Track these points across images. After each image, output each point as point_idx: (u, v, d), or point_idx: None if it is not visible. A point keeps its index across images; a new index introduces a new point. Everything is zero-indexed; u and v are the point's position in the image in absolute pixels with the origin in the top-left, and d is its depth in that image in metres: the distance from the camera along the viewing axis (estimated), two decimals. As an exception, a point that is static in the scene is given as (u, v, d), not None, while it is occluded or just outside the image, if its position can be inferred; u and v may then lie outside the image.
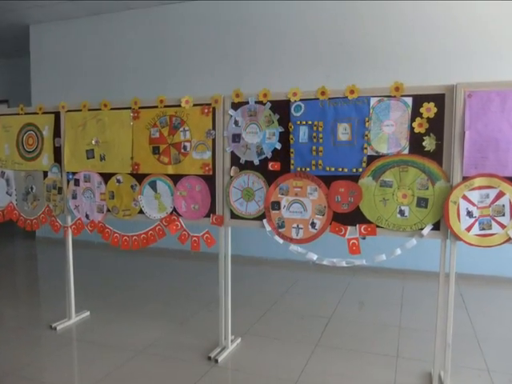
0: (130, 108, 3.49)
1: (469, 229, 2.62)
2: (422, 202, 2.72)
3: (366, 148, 2.80)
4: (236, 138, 3.14)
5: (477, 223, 2.61)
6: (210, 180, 3.25)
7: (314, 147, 2.91)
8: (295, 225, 3.02)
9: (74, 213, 3.80)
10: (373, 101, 2.78)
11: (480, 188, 2.60)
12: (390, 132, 2.75)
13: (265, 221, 3.10)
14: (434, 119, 2.67)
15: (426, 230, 2.72)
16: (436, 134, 2.67)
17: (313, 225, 2.96)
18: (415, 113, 2.69)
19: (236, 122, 3.13)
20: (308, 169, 2.95)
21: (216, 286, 3.38)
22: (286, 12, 5.87)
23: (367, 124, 2.78)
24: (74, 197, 3.77)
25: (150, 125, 3.41)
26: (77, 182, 3.75)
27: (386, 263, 3.41)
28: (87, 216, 3.74)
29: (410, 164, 2.71)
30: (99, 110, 3.61)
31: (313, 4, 5.72)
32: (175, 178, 3.36)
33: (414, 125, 2.69)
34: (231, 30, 6.20)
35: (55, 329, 3.81)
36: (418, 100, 2.69)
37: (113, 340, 3.60)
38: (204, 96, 3.24)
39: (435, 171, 2.67)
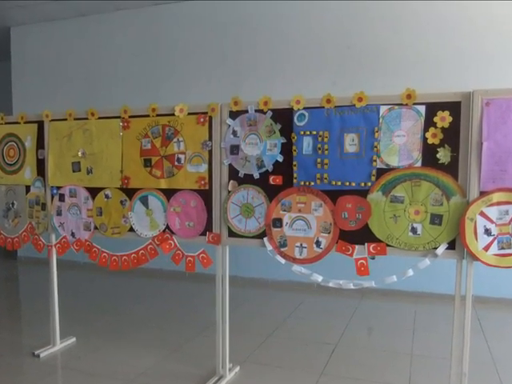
0: (119, 117, 3.49)
1: (487, 248, 2.62)
2: (435, 219, 2.72)
3: (375, 160, 2.81)
4: (234, 149, 3.15)
5: (495, 242, 2.60)
6: (206, 195, 3.25)
7: (318, 159, 2.92)
8: (298, 243, 3.01)
9: (59, 230, 3.79)
10: (382, 109, 2.79)
11: (499, 204, 2.59)
12: (401, 143, 2.76)
13: (265, 239, 3.09)
14: (448, 129, 2.67)
15: (441, 250, 2.71)
16: (451, 146, 2.67)
17: (318, 243, 2.96)
18: (428, 122, 2.70)
19: (234, 133, 3.14)
20: (312, 183, 2.95)
21: (213, 310, 3.37)
22: (289, 12, 5.90)
23: (376, 134, 2.79)
24: (59, 213, 3.77)
25: (141, 135, 3.42)
26: (62, 198, 3.74)
27: (396, 285, 3.40)
28: (73, 234, 3.74)
29: (423, 178, 2.72)
30: (86, 119, 3.61)
31: (318, 4, 5.75)
32: (168, 193, 3.36)
33: (428, 135, 2.70)
34: (229, 31, 6.23)
35: (38, 356, 3.80)
36: (432, 108, 2.69)
37: (101, 368, 3.58)
38: (200, 104, 3.25)
39: (450, 185, 2.68)
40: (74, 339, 4.15)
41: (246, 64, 6.15)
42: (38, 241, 3.88)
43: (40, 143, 3.82)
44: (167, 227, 3.39)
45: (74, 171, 3.69)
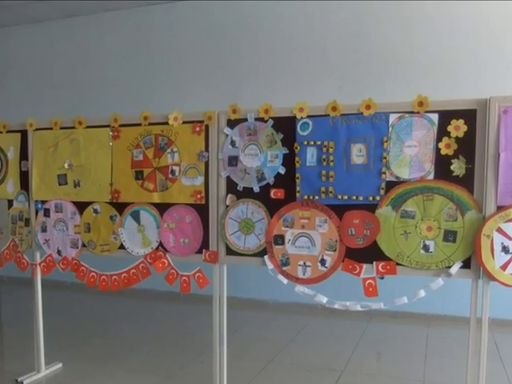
0: (109, 126, 3.50)
1: (504, 267, 2.61)
2: (449, 236, 2.72)
3: (384, 173, 2.81)
4: (233, 160, 3.15)
5: (514, 260, 2.61)
6: (202, 210, 3.25)
7: (323, 172, 2.92)
8: (302, 262, 3.00)
9: (44, 248, 3.78)
10: (392, 117, 2.79)
11: (517, 219, 2.60)
12: (412, 154, 2.76)
13: (266, 257, 3.09)
14: (463, 139, 2.67)
15: (455, 269, 2.70)
16: (466, 157, 2.67)
17: (322, 262, 2.95)
18: (442, 131, 2.70)
19: (233, 143, 3.15)
20: (317, 197, 2.94)
21: (209, 334, 3.35)
22: (291, 13, 5.90)
23: (386, 145, 2.80)
24: (44, 229, 3.76)
25: (133, 145, 3.42)
26: (47, 213, 3.74)
27: (407, 307, 3.37)
28: (59, 252, 3.73)
29: (436, 191, 2.71)
30: (73, 128, 3.61)
31: (322, 4, 5.76)
32: (162, 208, 3.36)
33: (441, 145, 2.70)
34: (227, 33, 6.24)
35: (22, 383, 3.77)
36: (445, 117, 2.70)
37: None
38: (195, 112, 3.26)
39: (465, 200, 2.67)
40: (60, 365, 4.13)
41: (246, 69, 6.15)
42: (21, 259, 3.86)
43: (23, 154, 3.81)
44: (160, 244, 3.38)
45: (60, 184, 3.68)
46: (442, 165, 2.71)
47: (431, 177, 2.73)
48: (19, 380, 3.81)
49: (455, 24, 5.30)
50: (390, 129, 2.79)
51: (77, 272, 3.66)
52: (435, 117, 2.71)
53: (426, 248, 2.76)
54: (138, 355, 4.40)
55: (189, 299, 5.87)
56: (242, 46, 6.17)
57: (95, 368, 4.09)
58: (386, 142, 2.79)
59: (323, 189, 2.92)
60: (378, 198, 2.83)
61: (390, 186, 2.81)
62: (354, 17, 5.65)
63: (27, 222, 3.82)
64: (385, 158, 2.80)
